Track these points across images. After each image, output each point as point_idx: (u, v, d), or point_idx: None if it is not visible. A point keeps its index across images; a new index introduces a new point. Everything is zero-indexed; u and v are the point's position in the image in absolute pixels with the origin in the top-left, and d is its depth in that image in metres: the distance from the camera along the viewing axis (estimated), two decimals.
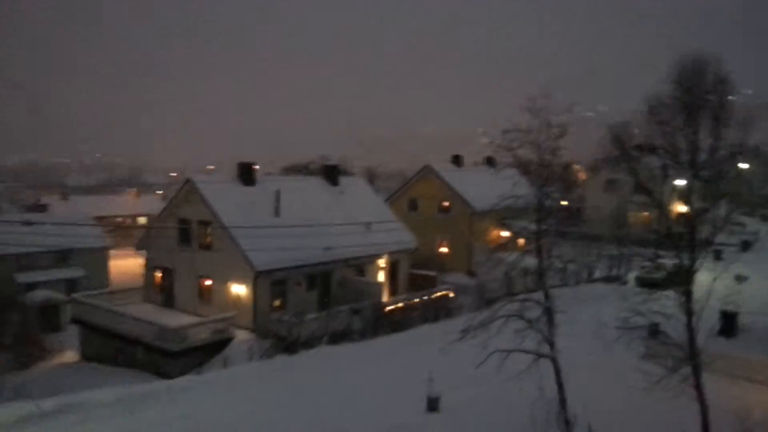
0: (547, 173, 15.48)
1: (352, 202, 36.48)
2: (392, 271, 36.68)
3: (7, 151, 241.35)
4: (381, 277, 35.59)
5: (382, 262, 35.69)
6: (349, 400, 18.89)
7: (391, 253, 35.87)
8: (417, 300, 33.41)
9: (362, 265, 34.35)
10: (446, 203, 45.65)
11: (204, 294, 30.98)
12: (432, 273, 37.73)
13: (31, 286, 44.35)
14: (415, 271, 37.85)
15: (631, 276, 38.79)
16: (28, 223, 47.28)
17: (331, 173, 37.76)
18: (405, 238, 37.46)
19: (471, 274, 41.66)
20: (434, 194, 45.99)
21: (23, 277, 45.41)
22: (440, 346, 15.75)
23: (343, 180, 38.51)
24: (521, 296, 15.36)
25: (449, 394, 18.04)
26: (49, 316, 40.09)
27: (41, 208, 62.03)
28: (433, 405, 17.96)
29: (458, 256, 44.00)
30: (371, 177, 71.93)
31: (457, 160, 50.76)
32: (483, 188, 41.09)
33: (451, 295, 35.70)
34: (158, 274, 33.31)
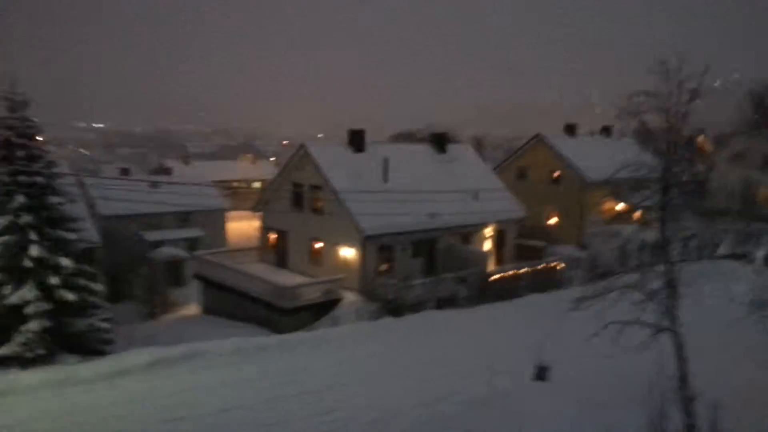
0: (675, 140, 14.45)
1: (459, 170, 36.09)
2: (498, 241, 36.10)
3: (136, 118, 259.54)
4: (487, 246, 35.14)
5: (488, 231, 35.19)
6: (455, 362, 18.93)
7: (497, 222, 35.28)
8: (524, 270, 32.74)
9: (468, 233, 34.05)
10: (557, 173, 44.06)
11: (315, 256, 32.02)
12: (540, 243, 36.76)
13: (157, 244, 47.75)
14: (523, 242, 37.03)
15: (760, 254, 35.89)
16: (155, 185, 50.79)
17: (439, 141, 37.45)
18: (512, 207, 36.68)
19: (581, 246, 40.19)
20: (545, 164, 44.51)
21: (150, 236, 48.95)
22: (553, 314, 15.32)
23: (451, 148, 38.09)
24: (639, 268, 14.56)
25: (559, 365, 17.61)
26: (173, 272, 42.99)
27: (166, 171, 66.12)
28: (541, 374, 17.61)
29: (568, 228, 42.51)
30: (479, 146, 70.86)
31: (570, 130, 48.66)
32: (597, 158, 39.36)
33: (561, 266, 34.65)
34: (272, 236, 34.78)
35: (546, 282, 32.78)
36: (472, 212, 33.55)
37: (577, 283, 30.21)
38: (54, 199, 19.02)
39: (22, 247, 18.11)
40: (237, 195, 75.14)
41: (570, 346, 18.04)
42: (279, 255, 34.35)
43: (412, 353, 20.25)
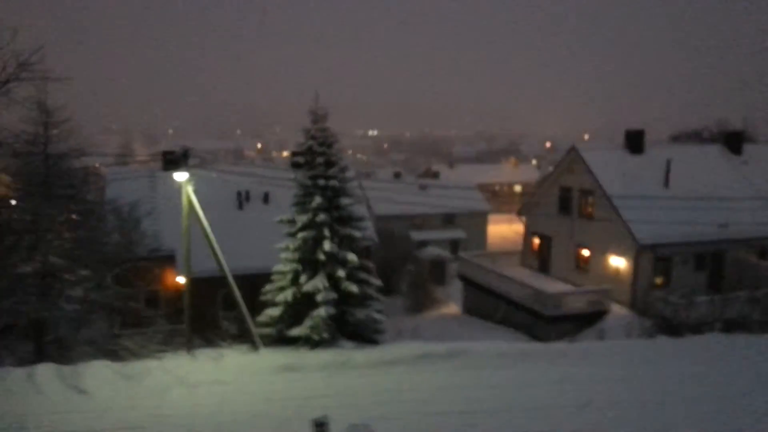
0: None
1: (757, 173, 31.26)
2: None
3: (405, 125, 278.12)
4: None
5: None
6: (742, 397, 16.27)
7: None
8: None
9: (765, 247, 29.30)
10: None
11: (580, 263, 30.57)
12: None
13: (423, 244, 50.37)
14: None
15: None
16: (423, 188, 53.64)
17: (733, 140, 32.90)
18: None
19: None
20: None
21: (416, 235, 51.90)
22: None
23: (748, 148, 33.19)
24: None
25: None
26: (436, 271, 44.85)
27: (433, 174, 69.46)
28: None
29: None
30: None
31: None
32: None
33: None
34: (536, 240, 34.13)
35: None
36: None
37: None
38: (345, 201, 21.06)
39: (317, 242, 20.37)
40: (498, 198, 75.81)
41: None
42: (542, 260, 33.57)
43: (693, 381, 17.96)
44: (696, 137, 53.49)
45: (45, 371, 16.00)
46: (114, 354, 19.60)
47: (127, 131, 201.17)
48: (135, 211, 24.53)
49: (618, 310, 27.03)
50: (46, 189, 20.63)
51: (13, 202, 21.65)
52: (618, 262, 28.01)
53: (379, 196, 47.88)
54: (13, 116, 20.09)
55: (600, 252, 29.10)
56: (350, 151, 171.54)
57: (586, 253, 30.20)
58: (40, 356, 19.34)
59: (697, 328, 24.28)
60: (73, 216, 22.90)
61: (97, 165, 32.26)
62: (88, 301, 21.25)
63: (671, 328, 24.13)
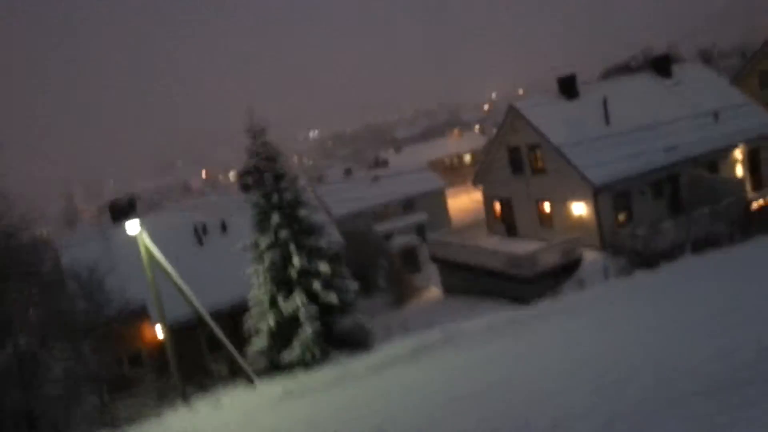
0: None
1: (690, 92, 32.16)
2: (752, 163, 31.48)
3: (344, 120, 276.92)
4: (739, 171, 30.87)
5: (738, 154, 30.88)
6: (741, 309, 16.66)
7: (747, 142, 30.76)
8: None
9: (714, 161, 30.20)
10: None
11: (544, 218, 30.95)
12: None
13: (388, 235, 50.22)
14: None
15: None
16: (376, 179, 53.45)
17: (661, 64, 33.72)
18: (763, 120, 31.68)
19: None
20: None
21: (380, 227, 51.69)
22: None
23: (676, 69, 34.06)
24: None
25: None
26: (409, 259, 44.85)
27: (383, 163, 69.29)
28: None
29: None
30: (707, 59, 62.60)
31: None
32: None
33: None
34: (497, 206, 34.41)
35: None
36: (715, 136, 29.75)
37: None
38: (303, 212, 20.80)
39: (286, 260, 20.11)
40: (450, 172, 76.13)
41: None
42: (507, 224, 33.86)
43: (685, 305, 18.33)
44: (626, 69, 54.61)
45: None
46: (111, 425, 19.01)
47: (66, 187, 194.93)
48: (95, 272, 23.73)
49: (591, 255, 27.44)
50: (1, 270, 19.76)
51: None
52: (579, 209, 28.45)
53: (334, 198, 47.56)
54: None
55: (560, 202, 29.50)
56: (296, 158, 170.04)
57: (547, 207, 30.58)
58: None
59: (670, 254, 24.88)
60: (34, 291, 22.05)
61: (45, 233, 31.15)
62: (71, 378, 20.51)
63: (645, 260, 24.68)
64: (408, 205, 53.71)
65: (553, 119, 29.56)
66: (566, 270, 27.02)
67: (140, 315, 25.14)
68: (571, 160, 27.60)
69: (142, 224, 18.37)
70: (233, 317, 21.57)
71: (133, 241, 19.01)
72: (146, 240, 18.38)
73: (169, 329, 18.89)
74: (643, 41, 73.92)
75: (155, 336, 24.52)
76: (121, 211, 28.62)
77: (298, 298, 19.61)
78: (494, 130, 49.47)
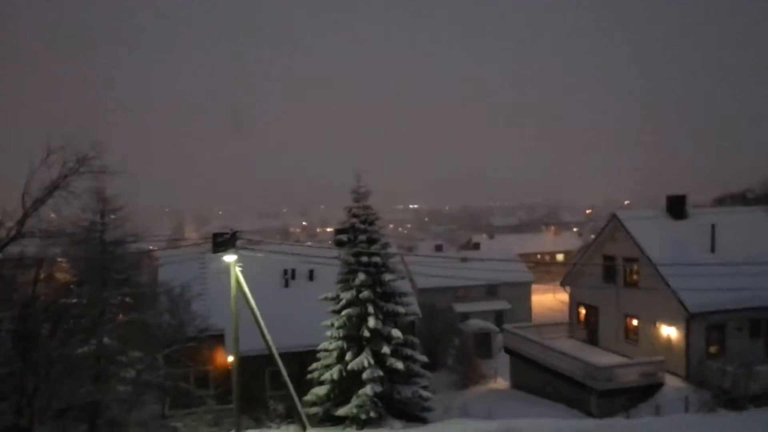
0: None
1: None
2: None
3: (444, 198, 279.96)
4: None
5: None
6: None
7: None
8: None
9: None
10: None
11: (630, 334, 29.82)
12: None
13: (466, 316, 49.83)
14: None
15: None
16: (464, 260, 53.54)
17: None
18: None
19: None
20: None
21: (460, 307, 51.46)
22: None
23: None
24: None
25: None
26: (482, 344, 44.11)
27: (474, 246, 69.39)
28: None
29: None
30: None
31: None
32: None
33: None
34: (582, 311, 33.53)
35: None
36: None
37: None
38: (388, 276, 21.43)
39: (362, 319, 20.64)
40: (540, 267, 74.88)
41: None
42: (589, 331, 32.83)
43: None
44: (741, 199, 52.49)
45: None
46: None
47: (179, 213, 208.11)
48: (186, 292, 25.28)
49: (673, 382, 26.06)
50: (102, 274, 21.60)
51: (71, 287, 22.65)
52: (669, 332, 27.25)
53: (421, 270, 47.96)
54: (73, 206, 21.35)
55: (649, 321, 28.39)
56: (391, 226, 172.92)
57: (634, 322, 29.49)
58: None
59: (761, 398, 23.23)
60: (127, 299, 23.80)
61: (150, 248, 33.54)
62: (139, 383, 21.72)
63: (731, 400, 23.16)
64: (491, 291, 53.28)
65: (655, 236, 28.89)
66: (643, 392, 25.75)
67: (216, 340, 26.35)
68: (668, 281, 26.70)
69: (238, 259, 19.60)
70: (301, 362, 22.15)
71: (225, 272, 20.27)
72: (238, 273, 19.55)
73: (239, 358, 19.73)
74: (762, 176, 70.87)
75: (225, 362, 25.55)
76: (223, 243, 30.36)
77: (366, 358, 19.94)
78: (592, 236, 48.64)
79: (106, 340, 21.57)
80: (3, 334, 13.73)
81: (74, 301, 21.95)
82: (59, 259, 22.95)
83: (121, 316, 23.41)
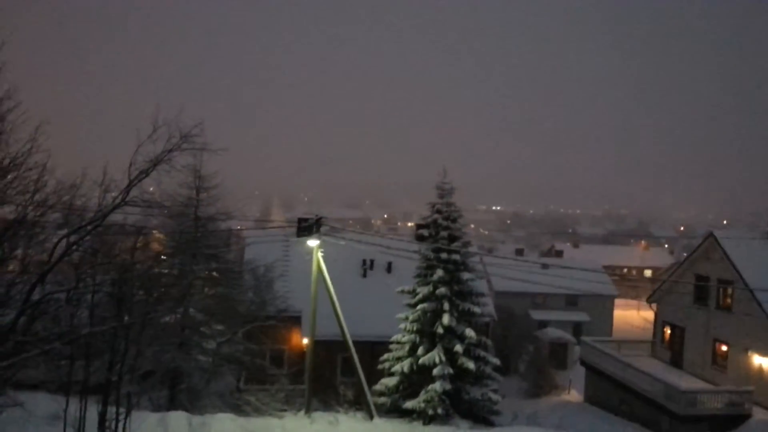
0: None
1: None
2: None
3: (529, 201, 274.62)
4: None
5: None
6: None
7: None
8: None
9: None
10: None
11: (718, 359, 28.21)
12: None
13: (543, 324, 48.68)
14: None
15: None
16: (545, 266, 52.35)
17: None
18: None
19: None
20: None
21: (537, 315, 50.34)
22: None
23: None
24: None
25: None
26: (557, 354, 43.04)
27: (557, 253, 67.60)
28: None
29: None
30: None
31: None
32: None
33: None
34: (668, 331, 32.04)
35: None
36: None
37: None
38: (466, 275, 21.33)
39: (437, 315, 20.65)
40: (625, 282, 72.04)
41: None
42: (673, 352, 31.32)
43: None
44: None
45: (177, 419, 17.20)
46: (238, 408, 20.64)
47: (267, 197, 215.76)
48: (269, 272, 26.15)
49: (762, 415, 24.48)
50: (194, 248, 22.72)
51: (164, 257, 23.97)
52: (762, 361, 25.58)
53: (499, 272, 47.24)
54: (172, 181, 22.56)
55: (740, 348, 26.74)
56: (473, 226, 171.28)
57: (723, 348, 27.87)
58: (172, 403, 20.80)
59: None
60: (214, 274, 24.92)
61: (239, 227, 34.90)
62: (219, 355, 22.73)
63: None
64: (571, 301, 51.80)
65: (754, 259, 27.16)
66: (728, 422, 24.35)
67: (294, 321, 27.11)
68: (765, 307, 25.07)
69: (321, 244, 20.09)
70: (373, 351, 22.44)
71: (307, 256, 20.83)
72: (320, 257, 20.05)
73: (314, 342, 20.24)
74: None
75: (300, 344, 26.26)
76: (307, 228, 31.23)
77: (437, 354, 19.95)
78: (684, 254, 46.33)
79: (191, 310, 22.71)
80: (102, 295, 14.75)
81: (166, 271, 23.22)
82: (155, 231, 24.29)
83: (207, 289, 24.57)
